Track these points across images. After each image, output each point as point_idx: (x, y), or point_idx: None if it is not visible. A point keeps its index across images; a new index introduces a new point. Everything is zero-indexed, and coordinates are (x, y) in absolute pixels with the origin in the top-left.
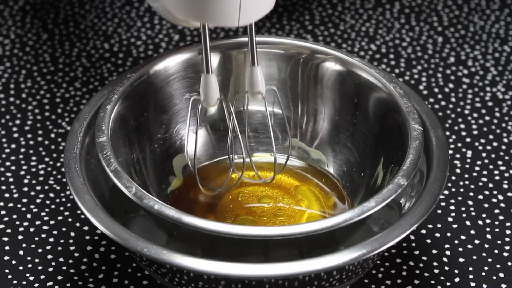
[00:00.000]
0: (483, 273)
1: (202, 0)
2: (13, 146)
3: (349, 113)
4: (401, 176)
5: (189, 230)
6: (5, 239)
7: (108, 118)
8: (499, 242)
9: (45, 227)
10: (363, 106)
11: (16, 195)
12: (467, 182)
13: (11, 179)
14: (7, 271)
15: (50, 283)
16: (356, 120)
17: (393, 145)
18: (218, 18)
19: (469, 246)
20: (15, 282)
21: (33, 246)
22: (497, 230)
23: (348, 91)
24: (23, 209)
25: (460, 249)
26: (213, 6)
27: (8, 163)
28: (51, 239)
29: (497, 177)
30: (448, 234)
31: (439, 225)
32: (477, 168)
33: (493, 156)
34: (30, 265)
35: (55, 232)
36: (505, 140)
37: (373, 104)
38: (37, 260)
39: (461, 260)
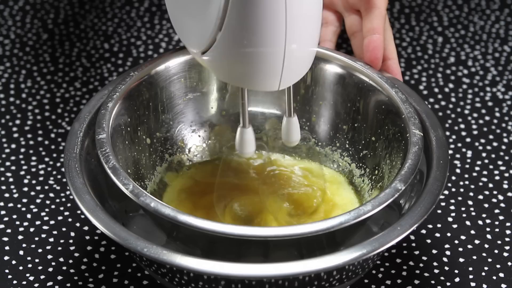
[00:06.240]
0: (483, 273)
1: (244, 70)
2: (13, 146)
3: (350, 116)
4: (399, 181)
5: (188, 230)
6: (5, 239)
7: (109, 115)
8: (499, 242)
9: (45, 227)
10: (364, 110)
11: (16, 195)
12: (467, 182)
13: (11, 179)
14: (7, 271)
15: (50, 283)
16: (357, 123)
17: (394, 149)
18: (259, 85)
19: (469, 246)
20: (15, 282)
21: (33, 246)
22: (497, 230)
23: (350, 95)
24: (23, 209)
25: (460, 249)
26: (256, 75)
27: (8, 163)
28: (51, 239)
29: (497, 177)
30: (448, 234)
31: (439, 225)
32: (477, 168)
33: (493, 156)
34: (30, 265)
35: (55, 232)
36: (505, 140)
37: (374, 108)
38: (37, 260)
39: (461, 260)
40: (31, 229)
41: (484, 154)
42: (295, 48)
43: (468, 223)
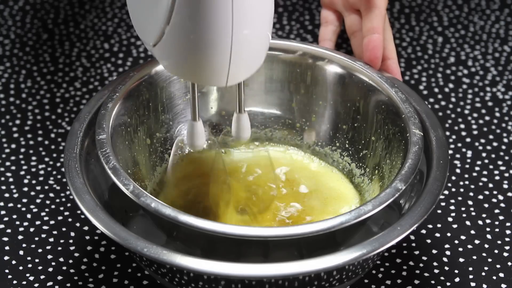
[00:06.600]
0: (483, 273)
1: (191, 64)
2: (13, 146)
3: (350, 116)
4: (399, 181)
5: (188, 230)
6: (5, 239)
7: (109, 116)
8: (499, 242)
9: (45, 227)
10: (364, 110)
11: (16, 195)
12: (467, 182)
13: (11, 179)
14: (7, 271)
15: (50, 283)
16: (357, 123)
17: (394, 149)
18: (206, 79)
19: (469, 246)
20: (15, 282)
21: (33, 246)
22: (497, 230)
23: (350, 95)
24: (23, 209)
25: (460, 249)
26: (202, 69)
27: (8, 163)
28: (51, 239)
29: (497, 177)
30: (448, 234)
31: (439, 225)
32: (477, 168)
33: (493, 156)
34: (30, 265)
35: (55, 232)
36: (505, 140)
37: (374, 108)
38: (37, 260)
39: (461, 260)
40: (31, 229)
41: (484, 154)
42: (241, 44)
43: (468, 223)
